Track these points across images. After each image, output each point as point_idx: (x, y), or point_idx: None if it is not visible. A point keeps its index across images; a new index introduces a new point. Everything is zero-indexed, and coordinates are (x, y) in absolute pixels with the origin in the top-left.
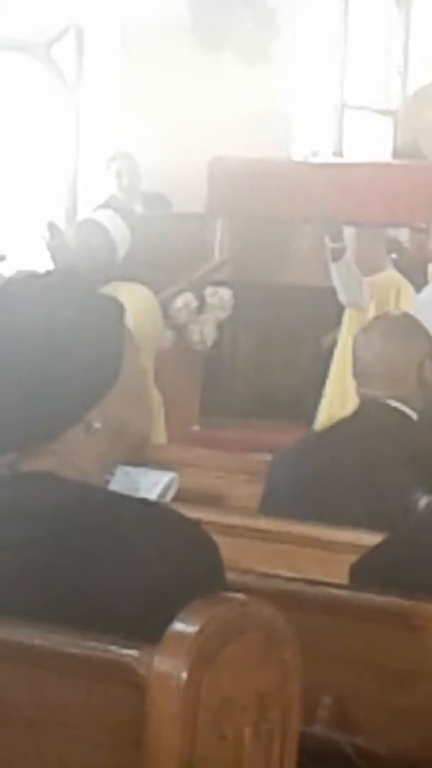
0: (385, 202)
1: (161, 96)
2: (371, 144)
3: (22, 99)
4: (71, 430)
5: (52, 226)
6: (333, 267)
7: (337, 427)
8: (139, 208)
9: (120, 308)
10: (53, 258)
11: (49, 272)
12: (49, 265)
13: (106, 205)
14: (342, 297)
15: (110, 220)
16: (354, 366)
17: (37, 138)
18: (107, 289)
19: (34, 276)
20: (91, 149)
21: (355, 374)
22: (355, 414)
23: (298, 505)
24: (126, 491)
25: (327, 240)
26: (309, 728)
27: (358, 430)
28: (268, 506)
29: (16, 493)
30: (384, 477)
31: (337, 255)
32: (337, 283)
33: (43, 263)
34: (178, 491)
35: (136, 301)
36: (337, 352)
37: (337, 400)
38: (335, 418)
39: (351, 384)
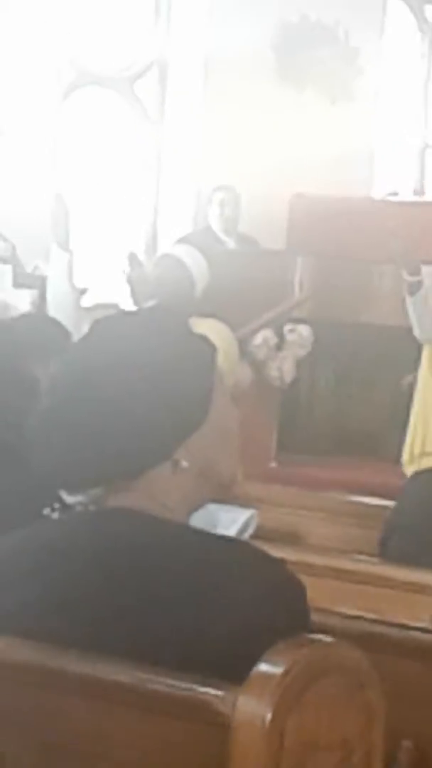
0: None
1: (243, 133)
2: None
3: (105, 134)
4: (158, 468)
5: (132, 258)
6: (409, 301)
7: None
8: (232, 244)
9: (212, 348)
10: (132, 290)
11: (143, 309)
12: (128, 298)
13: (185, 240)
14: (417, 332)
15: (189, 255)
16: None
17: (119, 172)
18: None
19: (126, 313)
20: (172, 185)
21: None
22: None
23: None
24: (204, 527)
25: (404, 273)
26: None
27: None
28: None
29: (100, 529)
30: None
31: (414, 289)
32: (412, 318)
33: (123, 296)
34: (256, 529)
35: (212, 337)
36: (417, 392)
37: (419, 440)
38: (417, 458)
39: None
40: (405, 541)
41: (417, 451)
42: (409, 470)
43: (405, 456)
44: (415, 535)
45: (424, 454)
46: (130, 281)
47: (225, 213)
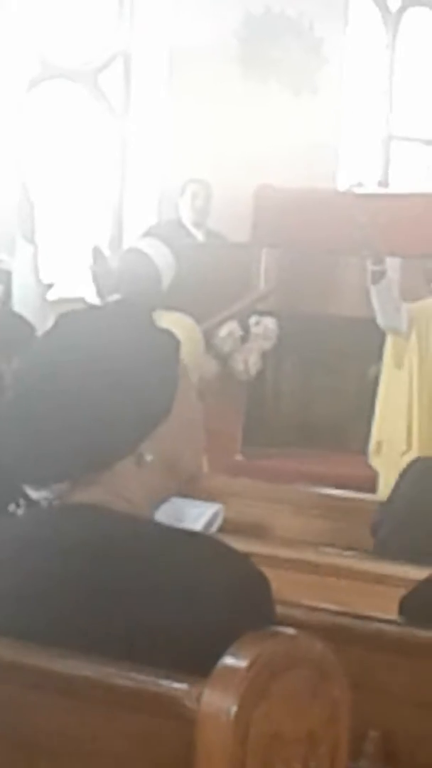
0: (430, 233)
1: (208, 125)
2: (417, 175)
3: (69, 126)
4: (123, 462)
5: (96, 252)
6: (372, 289)
7: None
8: (201, 237)
9: (176, 341)
10: (97, 284)
11: (107, 304)
12: (93, 291)
13: (150, 233)
14: (380, 320)
15: (155, 249)
16: None
17: (83, 165)
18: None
19: (90, 307)
20: (137, 177)
21: None
22: None
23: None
24: (170, 522)
25: (368, 263)
26: (355, 764)
27: None
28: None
29: (64, 524)
30: None
31: (377, 278)
32: (375, 306)
33: (88, 290)
34: (222, 522)
35: (177, 330)
36: (381, 382)
37: (387, 428)
38: (384, 447)
39: (396, 412)
40: (394, 532)
41: (378, 439)
42: (374, 461)
43: (371, 447)
44: (405, 525)
45: (384, 441)
46: (94, 275)
47: (196, 205)
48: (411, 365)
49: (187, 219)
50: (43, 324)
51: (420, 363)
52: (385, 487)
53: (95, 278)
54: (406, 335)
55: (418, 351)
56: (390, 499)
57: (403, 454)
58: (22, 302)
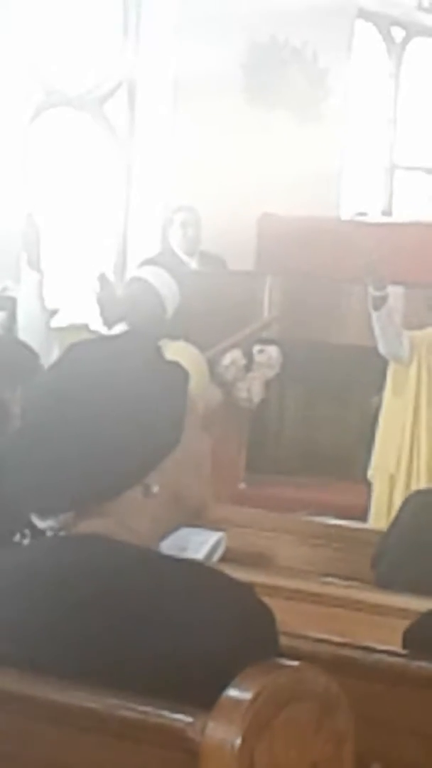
0: None
1: (212, 153)
2: (420, 204)
3: (74, 154)
4: (129, 493)
5: (102, 279)
6: (374, 315)
7: None
8: (194, 264)
9: (184, 373)
10: (102, 310)
11: (115, 335)
12: (98, 318)
13: (153, 262)
14: (381, 347)
15: (159, 278)
16: None
17: (88, 193)
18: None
19: (99, 338)
20: (141, 204)
21: None
22: None
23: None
24: (173, 550)
25: (370, 288)
26: None
27: None
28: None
29: (69, 555)
30: None
31: (379, 304)
32: (377, 333)
33: (93, 316)
34: (225, 550)
35: (183, 360)
36: (382, 410)
37: (386, 457)
38: (385, 476)
39: (400, 440)
40: (394, 566)
41: (379, 467)
42: (376, 488)
43: (369, 474)
44: (405, 560)
45: (385, 471)
46: (100, 303)
47: (188, 234)
48: (411, 393)
49: (178, 248)
50: (48, 351)
51: (419, 391)
52: (374, 509)
53: (101, 306)
54: (407, 363)
55: (417, 379)
56: (389, 532)
57: (390, 477)
58: (27, 329)
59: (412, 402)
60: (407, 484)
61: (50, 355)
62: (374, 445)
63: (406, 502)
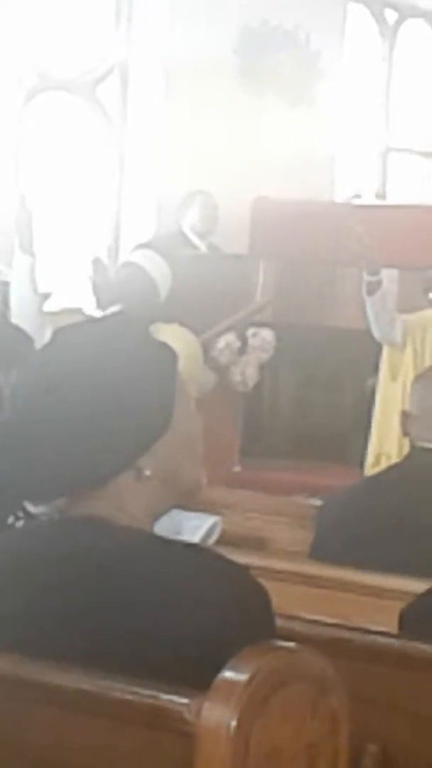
0: (427, 244)
1: (205, 136)
2: (414, 186)
3: (67, 138)
4: (122, 477)
5: (97, 263)
6: (368, 301)
7: (386, 472)
8: (204, 248)
9: (173, 355)
10: (96, 294)
11: (104, 318)
12: (93, 302)
13: (146, 245)
14: (374, 331)
15: (151, 262)
16: (409, 412)
17: (81, 176)
18: (151, 331)
19: (87, 321)
20: (134, 188)
21: (410, 420)
22: (405, 459)
23: (343, 550)
24: (168, 534)
25: (364, 274)
26: None
27: (405, 475)
28: (317, 550)
29: (62, 537)
30: (428, 522)
31: (373, 288)
32: (370, 317)
33: (86, 300)
34: (220, 534)
35: (176, 343)
36: (377, 394)
37: (384, 441)
38: (382, 460)
39: (393, 424)
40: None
41: (377, 452)
42: (372, 473)
43: (368, 459)
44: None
45: (383, 454)
46: (94, 286)
47: (207, 215)
48: (406, 377)
49: (192, 229)
50: (41, 336)
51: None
52: None
53: (95, 289)
54: (401, 347)
55: (413, 363)
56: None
57: (389, 462)
58: (20, 313)
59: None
60: None
61: (43, 339)
62: (371, 431)
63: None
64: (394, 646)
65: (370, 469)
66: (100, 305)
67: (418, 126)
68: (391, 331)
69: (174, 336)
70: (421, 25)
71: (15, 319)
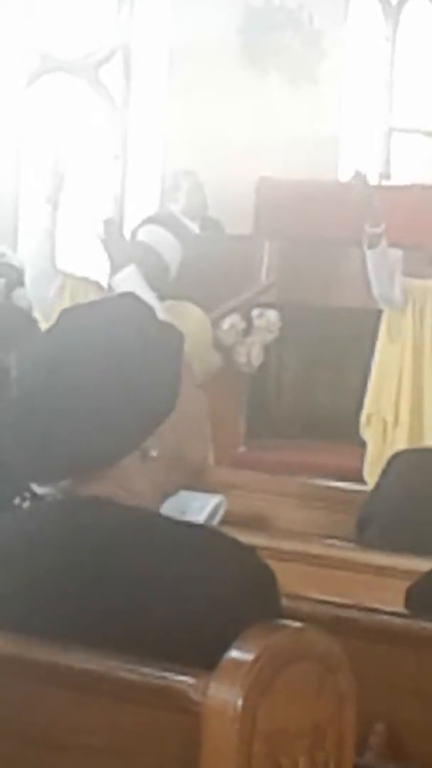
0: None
1: (208, 117)
2: (418, 166)
3: (70, 120)
4: (128, 457)
5: (108, 222)
6: (368, 255)
7: None
8: (196, 229)
9: (179, 336)
10: (110, 255)
11: (109, 298)
12: (107, 264)
13: (154, 220)
14: (374, 289)
15: (161, 239)
16: None
17: (85, 158)
18: (163, 308)
19: (92, 303)
20: (138, 170)
21: None
22: None
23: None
24: (174, 514)
25: (366, 225)
26: (361, 759)
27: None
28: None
29: (68, 516)
30: None
31: (374, 242)
32: (370, 274)
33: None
34: (225, 514)
35: (187, 321)
36: (375, 356)
37: (380, 402)
38: (373, 420)
39: (387, 385)
40: (385, 531)
41: (369, 412)
42: (365, 433)
43: (362, 418)
44: (395, 524)
45: (374, 414)
46: (106, 245)
47: (196, 198)
48: (405, 340)
49: (181, 212)
50: (57, 291)
51: (413, 340)
52: (371, 459)
53: (107, 250)
54: (401, 309)
55: (412, 327)
56: (375, 497)
57: (393, 426)
58: (35, 277)
59: (410, 348)
60: (410, 434)
61: (61, 298)
62: (366, 391)
63: (389, 464)
64: (399, 625)
65: (363, 428)
66: (113, 265)
67: (421, 106)
68: (390, 290)
69: (185, 314)
70: (424, 4)
71: (28, 280)
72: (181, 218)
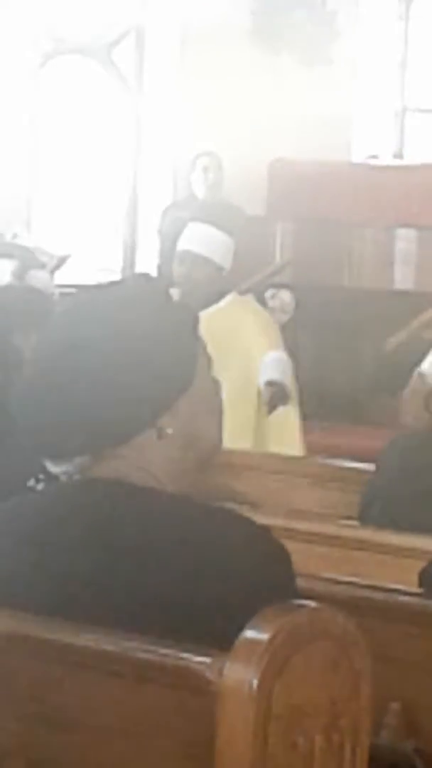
0: None
1: (221, 98)
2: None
3: (83, 101)
4: (143, 436)
5: (166, 213)
6: None
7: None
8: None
9: (194, 316)
10: (162, 242)
11: (124, 279)
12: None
13: (202, 218)
14: None
15: (213, 242)
16: None
17: (98, 139)
18: (224, 302)
19: (108, 283)
20: (151, 151)
21: None
22: None
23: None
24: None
25: None
26: (377, 738)
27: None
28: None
29: (85, 499)
30: None
31: None
32: None
33: (102, 263)
34: (240, 495)
35: (260, 314)
36: None
37: None
38: None
39: None
40: (387, 508)
41: None
42: None
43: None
44: (397, 500)
45: None
46: (162, 237)
47: (209, 178)
48: None
49: (200, 193)
50: None
51: None
52: None
53: (163, 239)
54: None
55: None
56: (376, 481)
57: None
58: None
59: None
60: None
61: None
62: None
63: (386, 449)
64: (414, 605)
65: None
66: (163, 255)
67: None
68: None
69: (253, 308)
70: None
71: None
72: (199, 198)
